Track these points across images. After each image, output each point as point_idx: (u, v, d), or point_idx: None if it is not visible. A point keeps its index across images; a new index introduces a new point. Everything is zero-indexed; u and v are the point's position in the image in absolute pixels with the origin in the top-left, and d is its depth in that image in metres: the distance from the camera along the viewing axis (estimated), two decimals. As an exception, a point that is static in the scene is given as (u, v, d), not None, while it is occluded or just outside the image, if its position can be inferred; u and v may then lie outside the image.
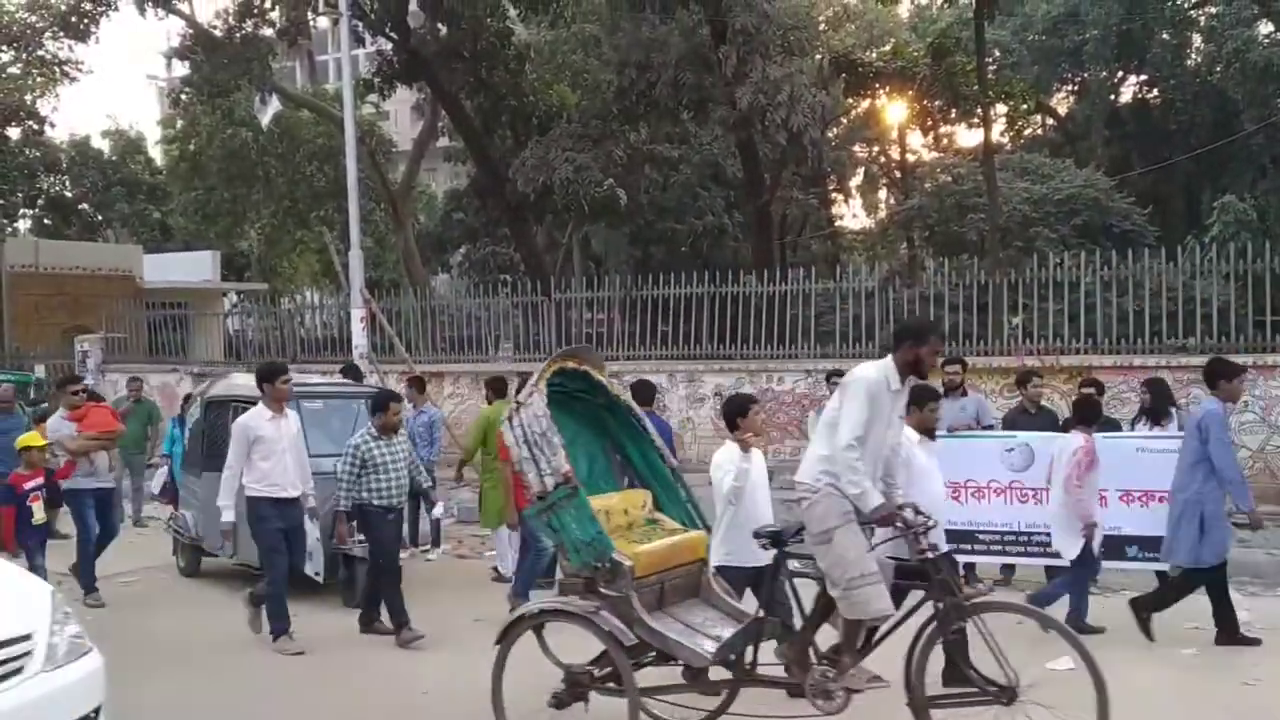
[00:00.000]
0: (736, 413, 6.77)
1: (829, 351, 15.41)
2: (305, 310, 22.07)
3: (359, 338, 16.46)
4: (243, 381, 10.65)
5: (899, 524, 5.38)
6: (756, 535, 5.79)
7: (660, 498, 6.37)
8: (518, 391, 6.09)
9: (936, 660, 5.38)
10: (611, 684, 5.61)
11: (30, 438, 9.34)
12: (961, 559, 9.88)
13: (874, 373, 5.49)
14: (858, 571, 5.27)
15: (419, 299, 19.41)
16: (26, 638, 4.47)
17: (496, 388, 10.74)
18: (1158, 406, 9.79)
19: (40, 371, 21.72)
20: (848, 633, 5.41)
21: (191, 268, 30.97)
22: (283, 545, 8.08)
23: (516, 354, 17.95)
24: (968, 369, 11.20)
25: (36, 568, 8.63)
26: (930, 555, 5.34)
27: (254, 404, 8.62)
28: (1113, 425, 9.70)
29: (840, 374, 9.28)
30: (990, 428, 9.86)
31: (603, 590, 5.52)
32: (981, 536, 9.20)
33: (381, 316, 17.61)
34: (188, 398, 13.26)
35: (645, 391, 9.27)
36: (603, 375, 6.32)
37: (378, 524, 8.24)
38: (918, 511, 5.45)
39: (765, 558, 5.83)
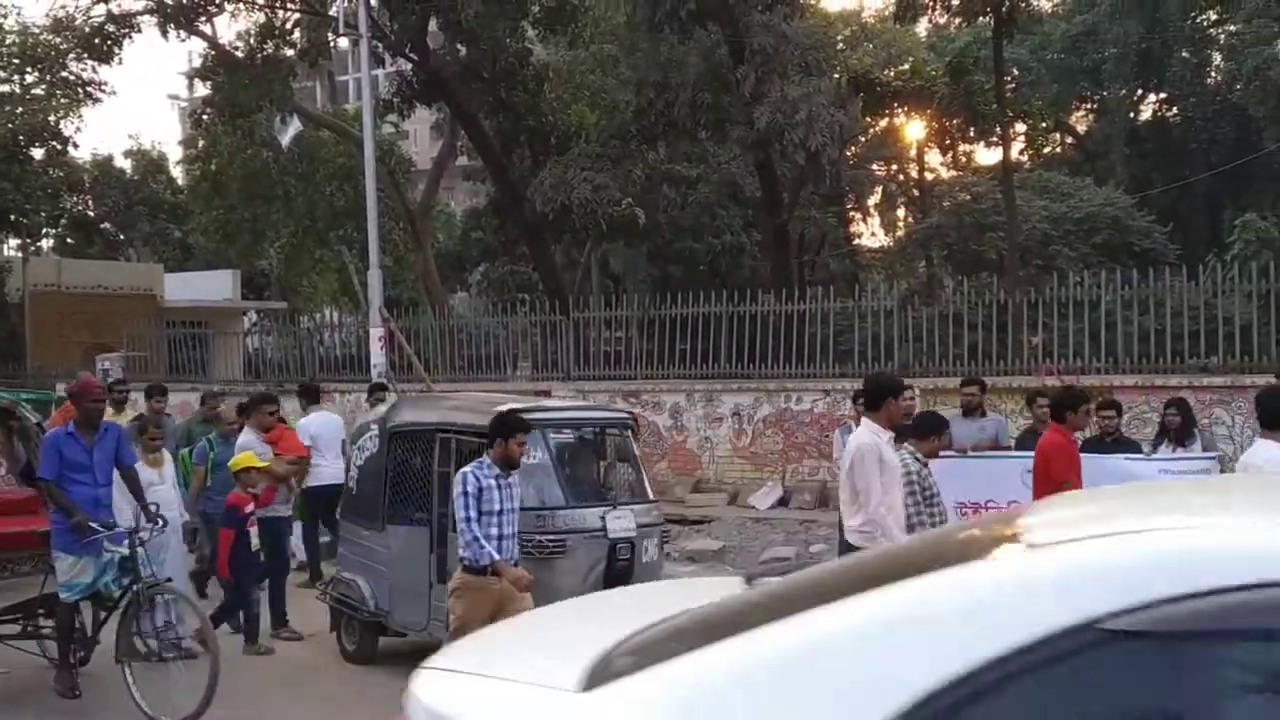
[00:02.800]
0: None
1: (847, 370, 15.35)
2: (324, 329, 22.14)
3: (378, 357, 16.52)
4: (446, 403, 8.93)
5: None
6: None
7: None
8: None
9: None
10: None
11: (247, 458, 8.54)
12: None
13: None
14: None
15: (437, 318, 19.47)
16: None
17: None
18: (1187, 428, 9.70)
19: (61, 390, 21.84)
20: None
21: (212, 287, 31.16)
22: None
23: (535, 373, 17.97)
24: (986, 389, 11.13)
25: (246, 599, 8.40)
26: None
27: (469, 434, 7.21)
28: (1132, 446, 9.61)
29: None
30: (1009, 448, 9.80)
31: None
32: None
33: (400, 336, 17.66)
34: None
35: None
36: None
37: None
38: None
39: None
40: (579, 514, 7.23)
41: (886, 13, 22.53)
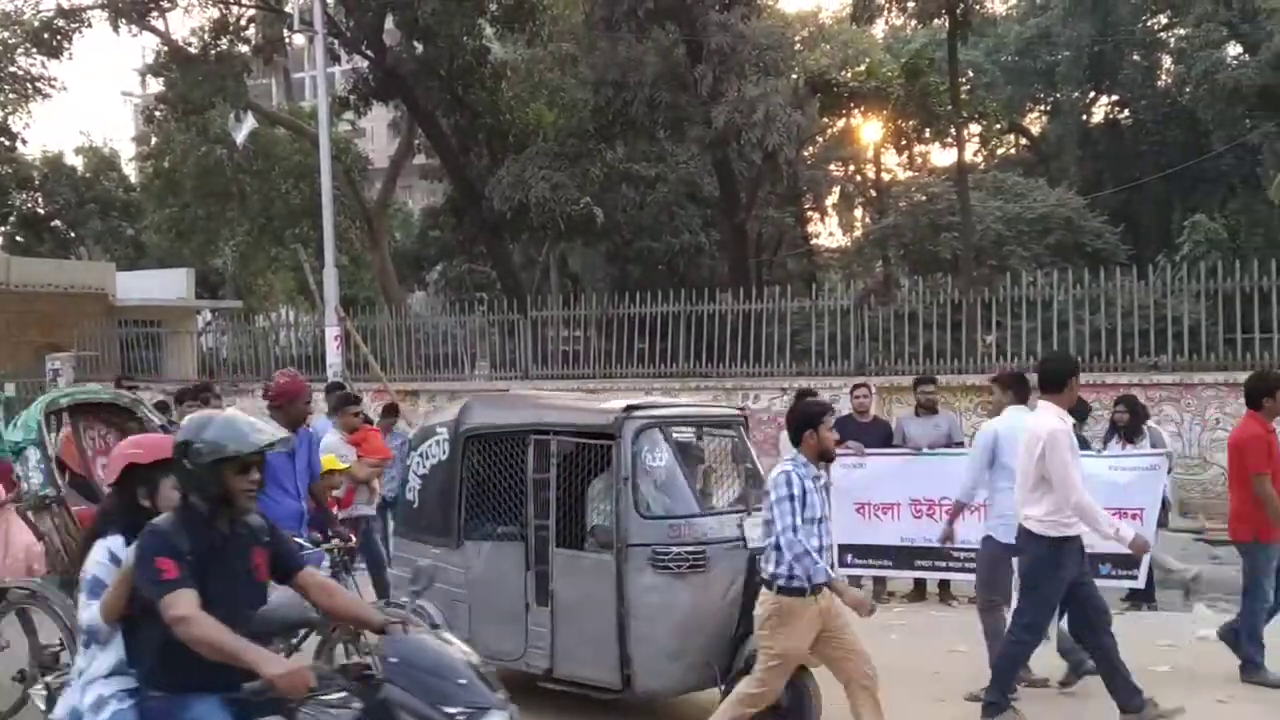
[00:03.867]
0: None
1: (805, 369, 15.46)
2: (280, 328, 21.94)
3: (333, 356, 16.40)
4: (534, 402, 7.99)
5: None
6: None
7: None
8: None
9: None
10: None
11: (329, 461, 7.98)
12: (937, 575, 9.96)
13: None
14: None
15: (394, 317, 19.35)
16: None
17: None
18: (1136, 425, 9.85)
19: (10, 390, 21.49)
20: None
21: (165, 285, 30.72)
22: None
23: (493, 372, 17.92)
24: (939, 387, 11.26)
25: None
26: None
27: (572, 435, 6.55)
28: (1082, 444, 9.73)
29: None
30: (961, 445, 9.90)
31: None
32: (957, 554, 9.21)
33: (356, 334, 17.54)
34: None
35: None
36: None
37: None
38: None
39: None
40: (716, 522, 6.41)
41: (844, 14, 22.70)
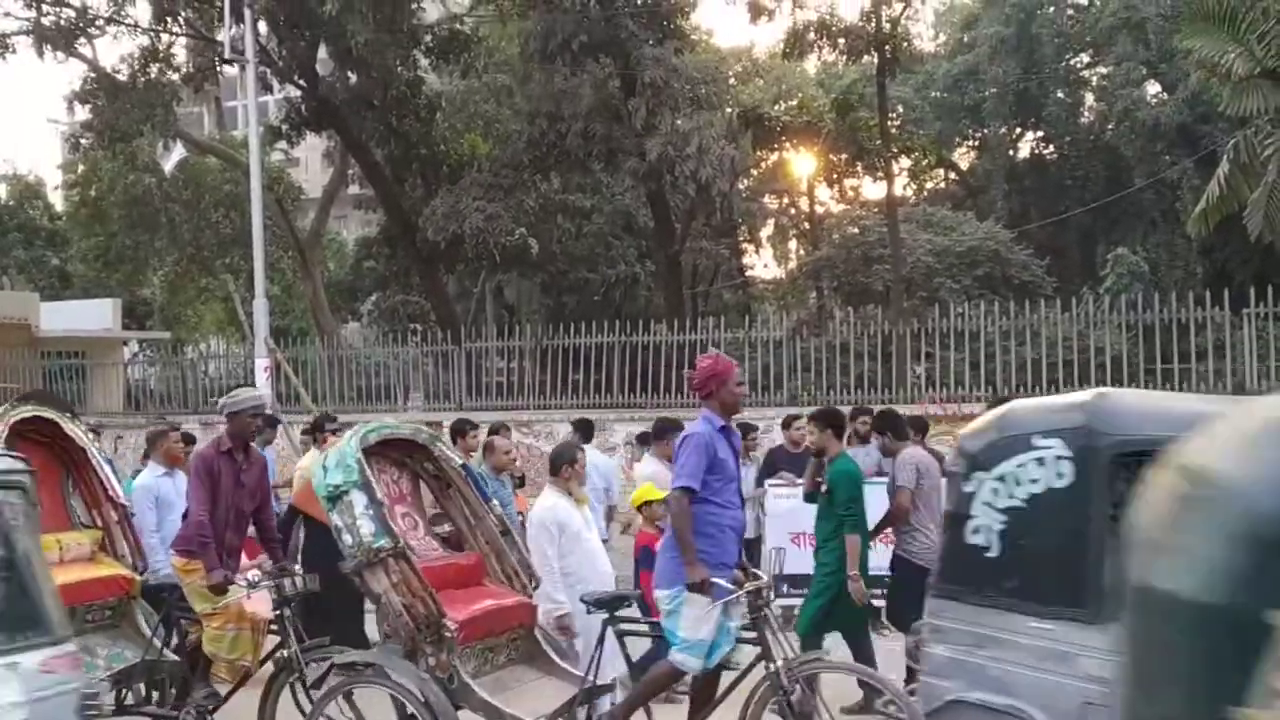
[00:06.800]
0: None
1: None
2: (209, 360, 21.60)
3: (263, 387, 16.15)
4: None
5: None
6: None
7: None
8: None
9: None
10: None
11: (648, 490, 7.53)
12: (880, 604, 10.03)
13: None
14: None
15: (326, 348, 19.14)
16: None
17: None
18: None
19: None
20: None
21: (91, 316, 30.10)
22: None
23: (427, 404, 17.77)
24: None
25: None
26: None
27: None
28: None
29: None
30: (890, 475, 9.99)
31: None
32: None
33: (286, 366, 17.33)
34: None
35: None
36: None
37: None
38: None
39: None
40: None
41: (776, 49, 23.01)
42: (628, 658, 6.15)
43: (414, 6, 21.13)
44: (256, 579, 6.29)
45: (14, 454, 5.24)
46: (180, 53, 23.60)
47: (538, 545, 6.36)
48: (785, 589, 9.84)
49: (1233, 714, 1.96)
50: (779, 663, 5.54)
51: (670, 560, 5.69)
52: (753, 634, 5.68)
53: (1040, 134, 32.84)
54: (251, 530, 6.98)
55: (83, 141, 23.56)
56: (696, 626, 5.58)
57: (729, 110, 22.72)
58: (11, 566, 4.47)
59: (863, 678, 6.02)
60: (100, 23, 22.46)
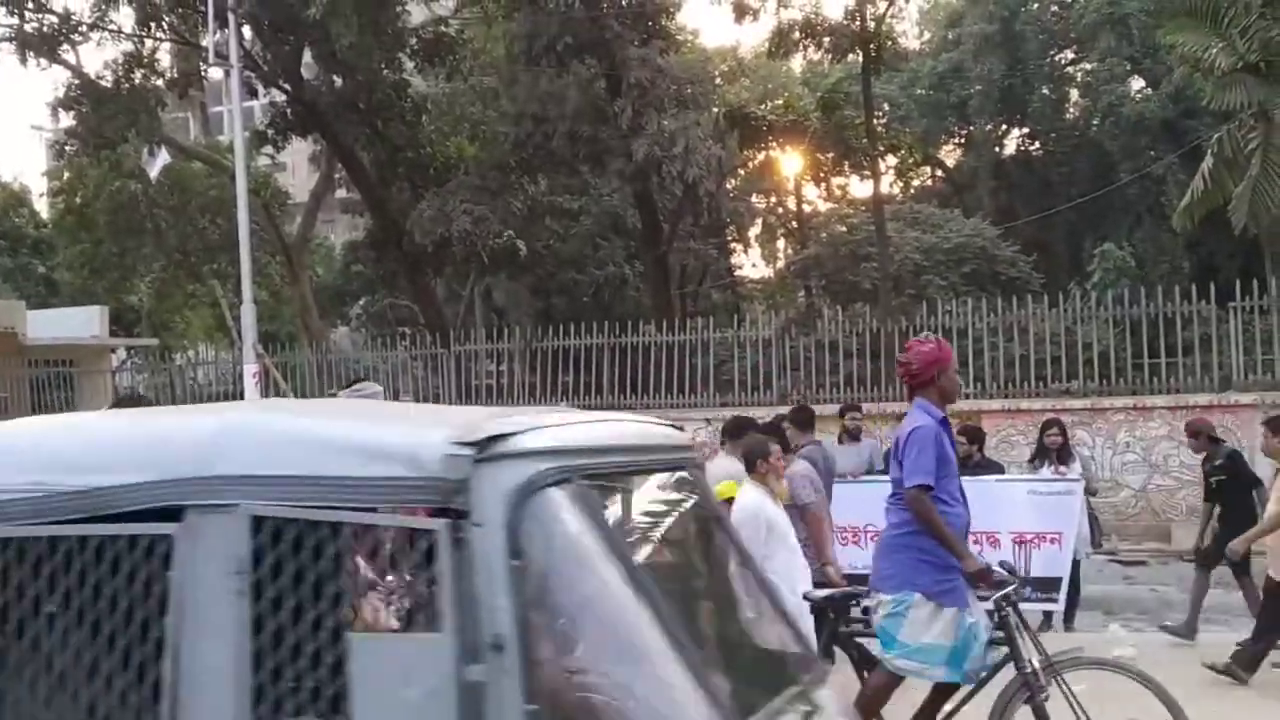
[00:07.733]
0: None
1: (729, 400, 15.57)
2: (198, 366, 21.56)
3: (252, 393, 16.12)
4: None
5: None
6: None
7: None
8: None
9: None
10: None
11: (729, 487, 7.02)
12: (866, 602, 10.02)
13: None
14: None
15: (315, 352, 19.11)
16: None
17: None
18: (1068, 447, 10.01)
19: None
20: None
21: (78, 323, 29.99)
22: None
23: (416, 407, 17.73)
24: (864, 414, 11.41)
25: None
26: None
27: None
28: (996, 469, 9.94)
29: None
30: (884, 473, 10.02)
31: None
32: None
33: (275, 371, 17.31)
34: None
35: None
36: None
37: None
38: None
39: None
40: None
41: (762, 49, 23.06)
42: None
43: (399, 10, 21.11)
44: None
45: None
46: (164, 58, 23.54)
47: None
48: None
49: None
50: (1035, 662, 5.44)
51: (899, 563, 5.47)
52: (1000, 634, 5.53)
53: (1025, 130, 32.91)
54: None
55: (67, 148, 23.52)
56: (918, 632, 5.38)
57: (715, 110, 22.73)
58: None
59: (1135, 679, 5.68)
60: (83, 29, 22.37)
